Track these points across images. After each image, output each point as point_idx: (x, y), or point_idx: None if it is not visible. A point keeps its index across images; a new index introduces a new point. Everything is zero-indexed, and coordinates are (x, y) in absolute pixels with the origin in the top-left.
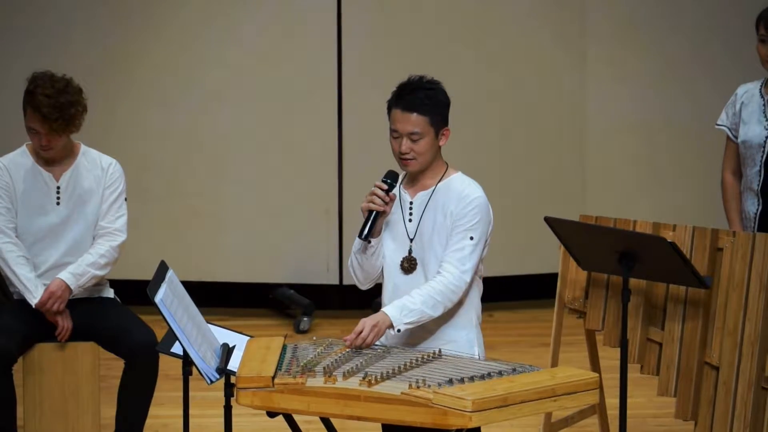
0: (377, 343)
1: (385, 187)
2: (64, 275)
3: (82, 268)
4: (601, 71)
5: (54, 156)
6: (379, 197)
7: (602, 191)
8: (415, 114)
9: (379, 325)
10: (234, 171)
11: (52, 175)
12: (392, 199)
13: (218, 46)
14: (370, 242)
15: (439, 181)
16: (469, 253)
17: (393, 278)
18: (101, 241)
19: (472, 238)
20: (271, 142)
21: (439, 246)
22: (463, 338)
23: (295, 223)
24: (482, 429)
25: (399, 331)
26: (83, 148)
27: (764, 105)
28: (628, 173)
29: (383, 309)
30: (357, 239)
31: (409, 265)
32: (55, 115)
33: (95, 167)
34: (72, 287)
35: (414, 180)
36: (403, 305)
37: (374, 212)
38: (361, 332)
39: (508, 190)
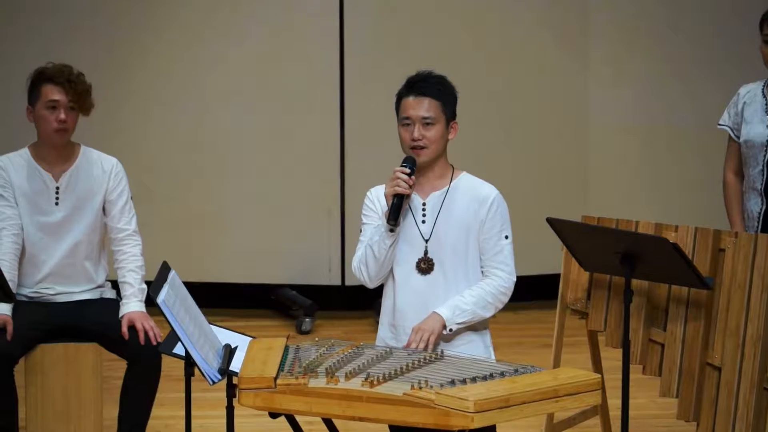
0: (380, 345)
1: (408, 171)
2: (135, 305)
3: (138, 285)
4: (604, 72)
5: (66, 141)
6: (404, 180)
7: (604, 192)
8: (428, 98)
9: (432, 330)
10: (236, 171)
11: (52, 176)
12: (414, 183)
13: (220, 48)
14: (392, 231)
15: (450, 182)
16: (509, 252)
17: (409, 280)
18: (128, 250)
19: (507, 237)
20: (274, 142)
21: (457, 245)
22: (479, 339)
23: (297, 223)
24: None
25: (451, 330)
26: (83, 148)
27: (767, 105)
28: (630, 174)
29: (436, 310)
30: (367, 233)
31: (426, 266)
32: (73, 81)
33: (96, 168)
34: (144, 309)
35: (422, 181)
36: (456, 305)
37: (401, 197)
38: (422, 336)
39: (509, 191)
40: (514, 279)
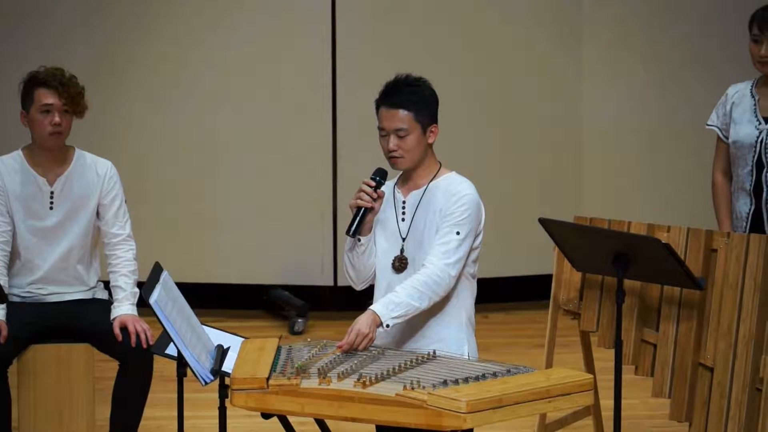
0: (372, 346)
1: (373, 184)
2: (127, 308)
3: (130, 289)
4: (598, 72)
5: (61, 145)
6: (367, 194)
7: (597, 192)
8: (400, 110)
9: (370, 328)
10: (230, 173)
11: (46, 180)
12: (380, 197)
13: (215, 50)
14: (359, 240)
15: (431, 180)
16: (454, 247)
17: (386, 278)
18: (122, 255)
19: (458, 233)
20: (267, 144)
21: (429, 245)
22: (452, 337)
23: (290, 224)
24: (476, 430)
25: (388, 326)
26: (77, 152)
27: (755, 105)
28: (623, 174)
29: (370, 307)
30: (348, 238)
31: (400, 264)
32: (66, 84)
33: (90, 172)
34: (136, 313)
35: (407, 179)
36: (389, 300)
37: (362, 209)
38: (355, 339)
39: (503, 191)
40: (452, 274)
